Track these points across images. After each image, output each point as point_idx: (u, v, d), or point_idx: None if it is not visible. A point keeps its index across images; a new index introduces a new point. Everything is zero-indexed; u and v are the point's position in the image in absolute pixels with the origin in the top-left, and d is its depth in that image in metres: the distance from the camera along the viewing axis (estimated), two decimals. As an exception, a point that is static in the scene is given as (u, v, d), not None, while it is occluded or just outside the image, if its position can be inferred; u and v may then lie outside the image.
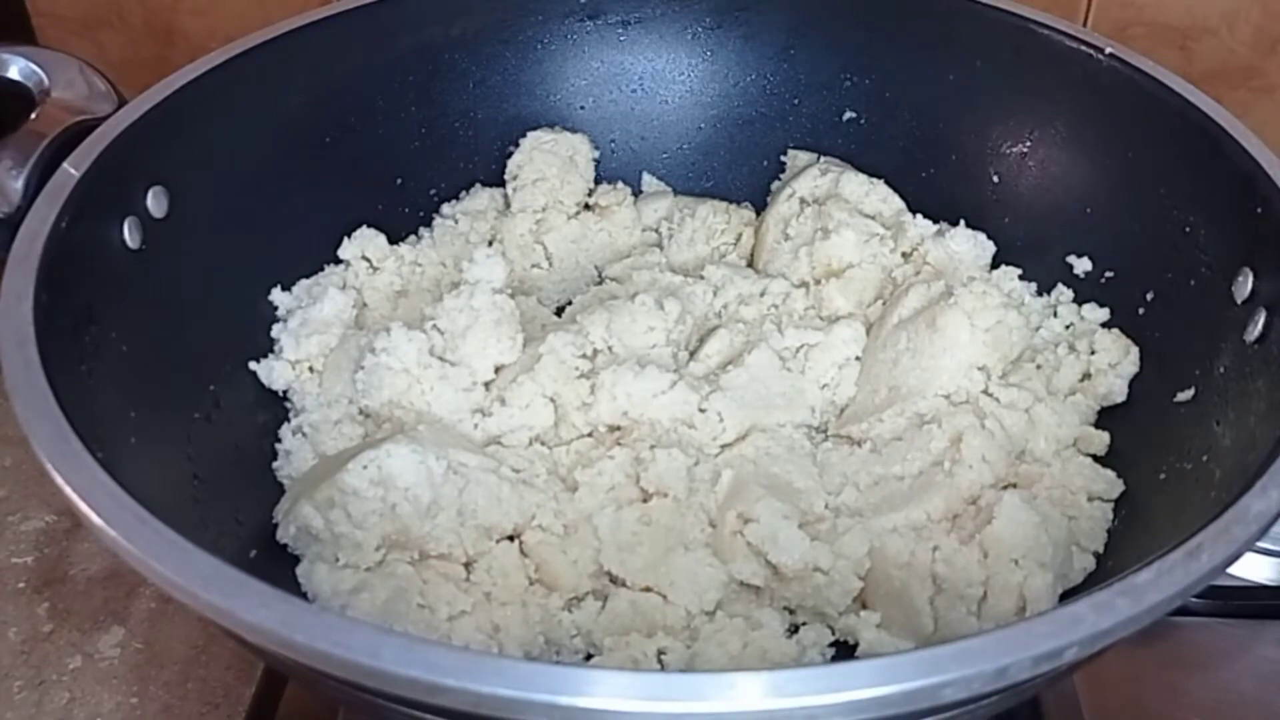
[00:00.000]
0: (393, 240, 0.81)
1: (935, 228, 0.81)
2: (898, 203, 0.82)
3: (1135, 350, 0.71)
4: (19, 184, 0.64)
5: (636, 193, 0.90)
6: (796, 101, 0.88)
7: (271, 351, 0.73)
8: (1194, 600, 0.68)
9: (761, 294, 0.78)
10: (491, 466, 0.65)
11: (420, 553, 0.63)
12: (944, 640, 0.41)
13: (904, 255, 0.79)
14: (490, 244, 0.83)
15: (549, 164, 0.84)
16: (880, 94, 0.86)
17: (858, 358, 0.74)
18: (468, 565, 0.63)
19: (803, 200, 0.82)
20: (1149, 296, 0.71)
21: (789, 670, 0.39)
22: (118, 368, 0.59)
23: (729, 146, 0.90)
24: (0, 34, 1.03)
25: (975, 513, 0.64)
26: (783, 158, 0.89)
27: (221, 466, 0.64)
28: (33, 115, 0.69)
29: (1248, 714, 0.69)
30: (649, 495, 0.65)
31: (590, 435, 0.70)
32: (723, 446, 0.69)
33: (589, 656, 0.62)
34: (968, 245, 0.79)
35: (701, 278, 0.80)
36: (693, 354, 0.75)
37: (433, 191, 0.85)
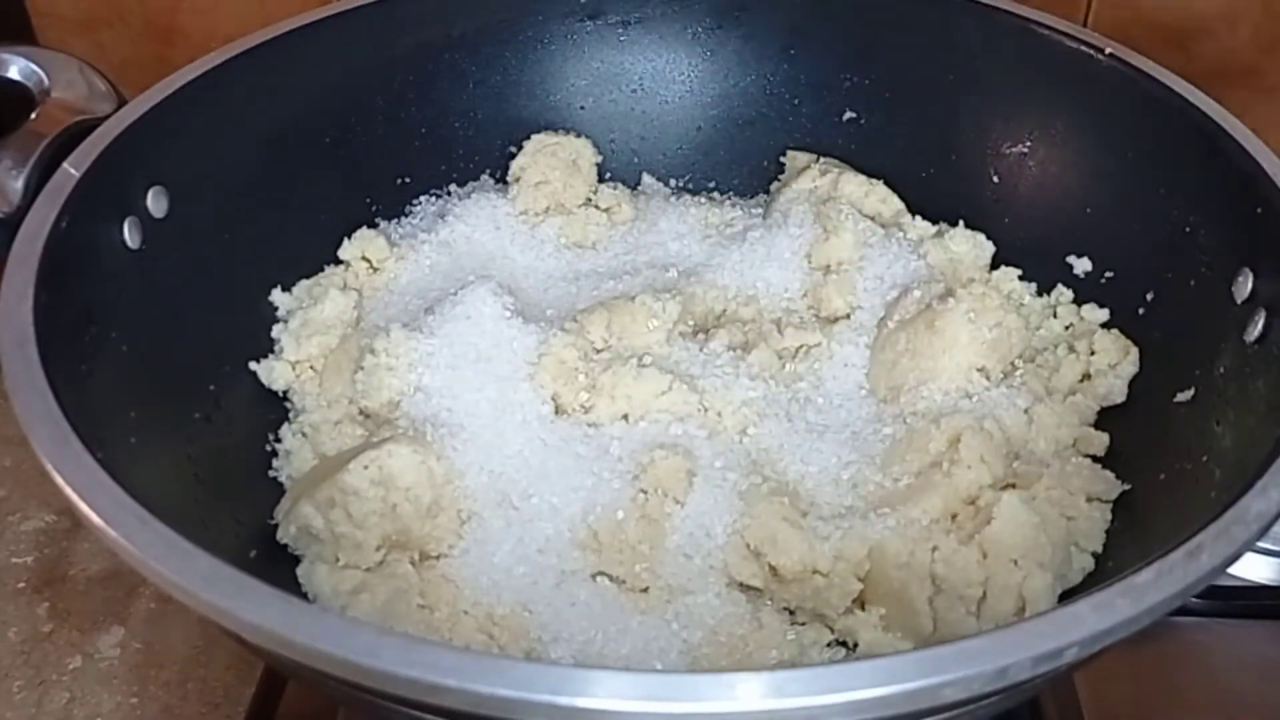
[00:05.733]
0: (393, 241, 0.81)
1: (935, 228, 0.81)
2: (897, 203, 0.82)
3: (1135, 350, 0.71)
4: (19, 184, 0.64)
5: (636, 193, 0.90)
6: (796, 101, 0.88)
7: (271, 352, 0.73)
8: (1194, 600, 0.67)
9: (762, 294, 0.78)
10: (491, 466, 0.65)
11: (420, 553, 0.63)
12: (944, 640, 0.41)
13: (904, 256, 0.79)
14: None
15: (552, 167, 0.84)
16: (880, 94, 0.85)
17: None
18: (468, 565, 0.63)
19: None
20: (1149, 296, 0.71)
21: (789, 670, 0.39)
22: (118, 368, 0.59)
23: (729, 146, 0.90)
24: (0, 34, 1.03)
25: (974, 513, 0.64)
26: (782, 158, 0.89)
27: (221, 466, 0.64)
28: (33, 115, 0.69)
29: (1248, 714, 0.69)
30: (648, 495, 0.65)
31: (590, 435, 0.70)
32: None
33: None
34: (967, 246, 0.79)
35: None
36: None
37: (434, 192, 0.85)
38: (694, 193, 0.90)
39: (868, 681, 0.38)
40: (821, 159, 0.86)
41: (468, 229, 0.82)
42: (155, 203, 0.66)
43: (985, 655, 0.40)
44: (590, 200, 0.86)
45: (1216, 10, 0.96)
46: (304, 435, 0.70)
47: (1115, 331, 0.73)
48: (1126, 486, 0.66)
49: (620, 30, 0.88)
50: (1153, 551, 0.44)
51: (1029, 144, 0.80)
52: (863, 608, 0.62)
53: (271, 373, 0.72)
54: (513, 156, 0.85)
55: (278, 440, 0.71)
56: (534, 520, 0.64)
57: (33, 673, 0.72)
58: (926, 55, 0.83)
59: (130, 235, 0.64)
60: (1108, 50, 0.74)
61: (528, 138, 0.85)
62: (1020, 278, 0.78)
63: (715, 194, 0.90)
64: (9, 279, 0.55)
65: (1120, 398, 0.71)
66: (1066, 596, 0.61)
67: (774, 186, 0.88)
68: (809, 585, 0.61)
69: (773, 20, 0.86)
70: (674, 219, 0.86)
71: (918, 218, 0.82)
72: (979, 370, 0.70)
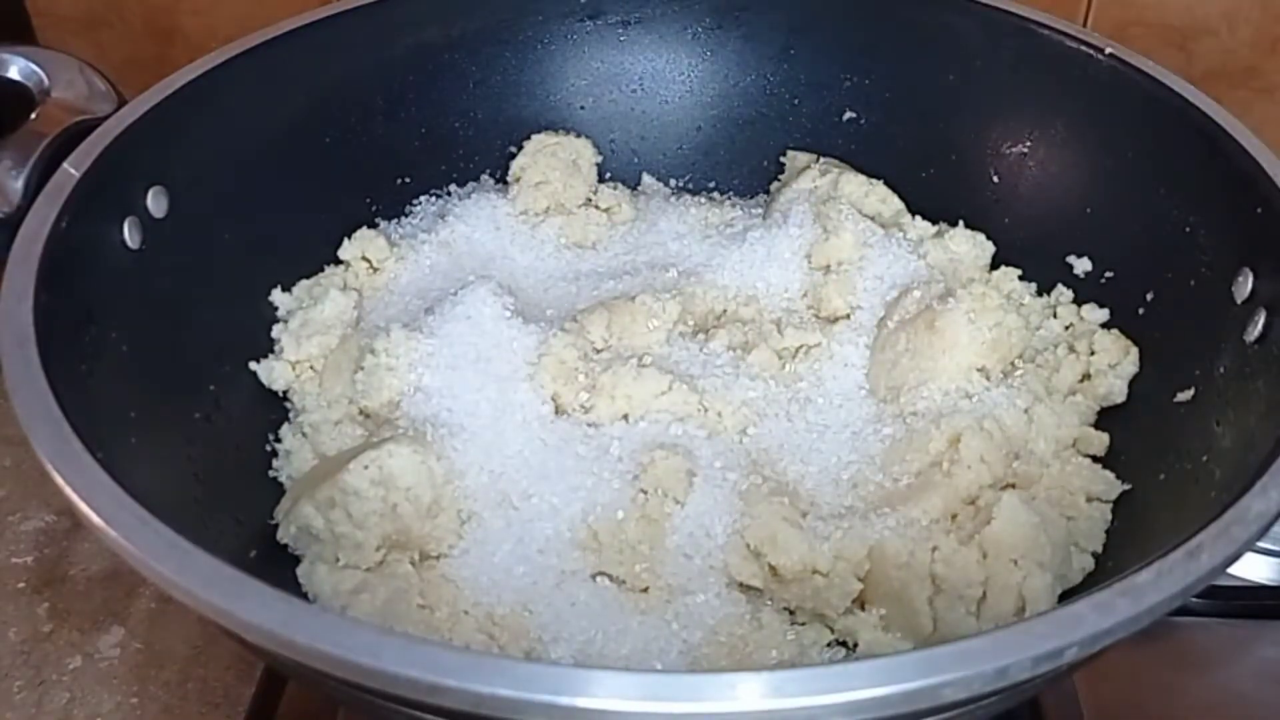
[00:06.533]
0: (393, 241, 0.81)
1: (935, 228, 0.81)
2: (897, 203, 0.82)
3: (1135, 350, 0.71)
4: (19, 184, 0.64)
5: (636, 193, 0.90)
6: (796, 101, 0.88)
7: (271, 352, 0.74)
8: (1194, 600, 0.68)
9: (762, 294, 0.78)
10: (491, 466, 0.65)
11: (420, 553, 0.63)
12: (944, 640, 0.41)
13: (904, 256, 0.79)
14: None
15: (552, 167, 0.84)
16: (880, 94, 0.86)
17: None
18: (468, 565, 0.63)
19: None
20: (1149, 296, 0.71)
21: (789, 670, 0.39)
22: (118, 368, 0.59)
23: (729, 146, 0.90)
24: (0, 34, 1.03)
25: (974, 513, 0.64)
26: (782, 158, 0.89)
27: (221, 466, 0.64)
28: (33, 115, 0.69)
29: (1248, 714, 0.69)
30: (648, 495, 0.65)
31: (590, 435, 0.70)
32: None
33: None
34: (967, 246, 0.79)
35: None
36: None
37: (434, 192, 0.85)
38: (694, 193, 0.90)
39: (867, 681, 0.38)
40: (821, 159, 0.86)
41: (468, 229, 0.82)
42: (155, 203, 0.66)
43: (985, 655, 0.40)
44: (590, 200, 0.86)
45: (1216, 10, 0.96)
46: (304, 435, 0.70)
47: (1115, 331, 0.73)
48: (1126, 486, 0.66)
49: (620, 30, 0.88)
50: (1153, 551, 0.44)
51: (1029, 144, 0.80)
52: (863, 608, 0.62)
53: (271, 373, 0.72)
54: (513, 156, 0.85)
55: (278, 440, 0.71)
56: (534, 520, 0.64)
57: (33, 673, 0.72)
58: (926, 55, 0.83)
59: (130, 235, 0.64)
60: (1108, 50, 0.74)
61: (528, 138, 0.86)
62: (1020, 278, 0.78)
63: (715, 194, 0.90)
64: (9, 279, 0.55)
65: (1120, 398, 0.71)
66: (1066, 596, 0.61)
67: (774, 186, 0.88)
68: (809, 585, 0.62)
69: (773, 20, 0.87)
70: (674, 219, 0.86)
71: (918, 218, 0.82)
72: (979, 370, 0.70)
